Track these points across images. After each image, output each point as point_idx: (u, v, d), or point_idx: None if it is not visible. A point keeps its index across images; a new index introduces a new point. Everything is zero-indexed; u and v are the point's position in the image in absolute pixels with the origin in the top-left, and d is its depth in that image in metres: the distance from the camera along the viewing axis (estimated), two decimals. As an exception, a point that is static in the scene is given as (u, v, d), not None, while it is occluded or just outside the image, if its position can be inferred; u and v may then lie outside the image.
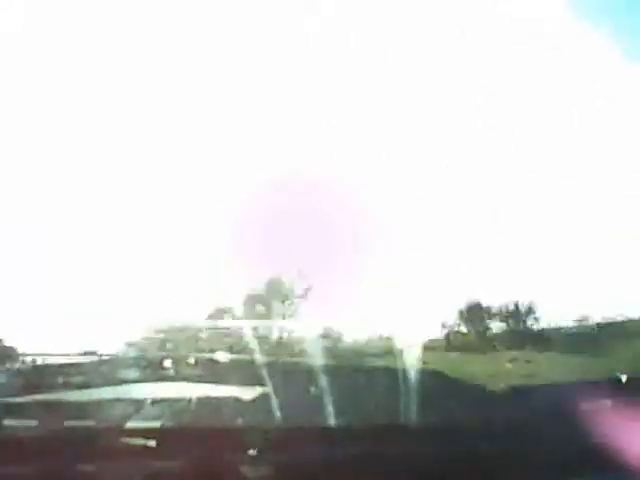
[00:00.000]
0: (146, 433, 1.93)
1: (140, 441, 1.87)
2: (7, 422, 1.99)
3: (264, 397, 2.02)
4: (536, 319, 23.95)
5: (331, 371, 2.34)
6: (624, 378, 2.28)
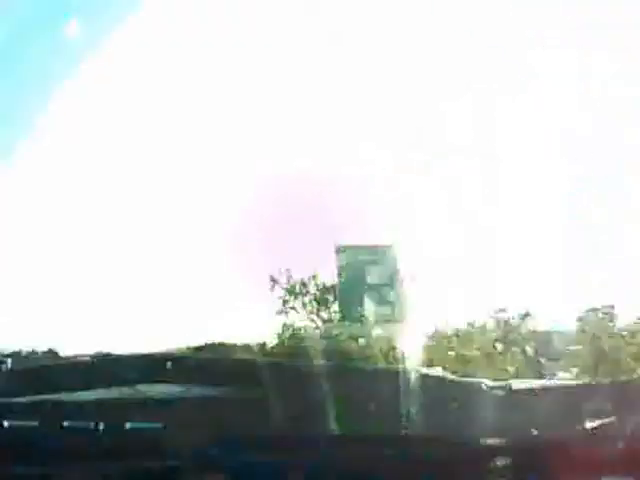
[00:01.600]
0: (146, 433, 1.93)
1: (141, 441, 1.87)
2: (7, 422, 1.99)
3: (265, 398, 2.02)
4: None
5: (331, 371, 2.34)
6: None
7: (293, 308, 15.95)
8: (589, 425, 2.01)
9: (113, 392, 2.20)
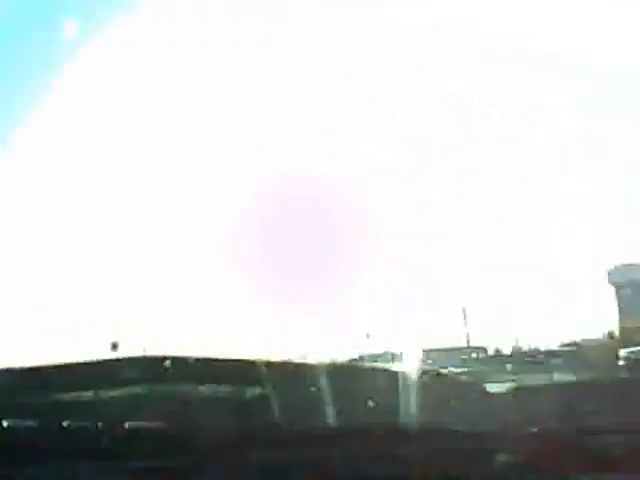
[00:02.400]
0: (146, 433, 1.93)
1: (140, 441, 1.86)
2: (7, 422, 1.99)
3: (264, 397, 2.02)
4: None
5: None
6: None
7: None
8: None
9: (113, 392, 2.20)
